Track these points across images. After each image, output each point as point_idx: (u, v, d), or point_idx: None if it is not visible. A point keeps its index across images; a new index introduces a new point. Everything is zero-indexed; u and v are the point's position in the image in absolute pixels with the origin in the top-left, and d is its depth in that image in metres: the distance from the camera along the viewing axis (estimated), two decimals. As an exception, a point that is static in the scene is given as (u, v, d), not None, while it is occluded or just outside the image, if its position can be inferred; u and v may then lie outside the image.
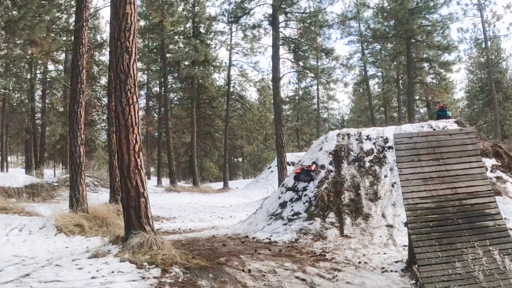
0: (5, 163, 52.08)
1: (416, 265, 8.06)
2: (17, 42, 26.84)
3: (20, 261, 10.00)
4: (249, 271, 9.08)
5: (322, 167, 15.14)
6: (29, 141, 46.07)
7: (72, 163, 16.62)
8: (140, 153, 10.42)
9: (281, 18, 35.26)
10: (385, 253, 10.61)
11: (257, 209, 16.83)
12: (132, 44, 10.45)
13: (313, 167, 15.45)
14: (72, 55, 17.36)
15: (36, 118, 45.82)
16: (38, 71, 45.87)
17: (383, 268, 9.39)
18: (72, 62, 17.39)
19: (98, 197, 25.58)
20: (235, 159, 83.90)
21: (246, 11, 38.97)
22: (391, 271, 9.18)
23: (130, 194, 10.18)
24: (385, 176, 14.55)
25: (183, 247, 11.06)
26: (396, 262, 9.74)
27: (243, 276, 8.76)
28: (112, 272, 8.39)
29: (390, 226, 12.56)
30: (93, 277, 8.12)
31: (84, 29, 16.80)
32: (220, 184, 49.06)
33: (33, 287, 7.62)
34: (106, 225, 15.02)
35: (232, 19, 42.19)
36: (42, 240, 13.38)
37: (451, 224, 7.96)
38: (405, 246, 10.40)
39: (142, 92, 55.50)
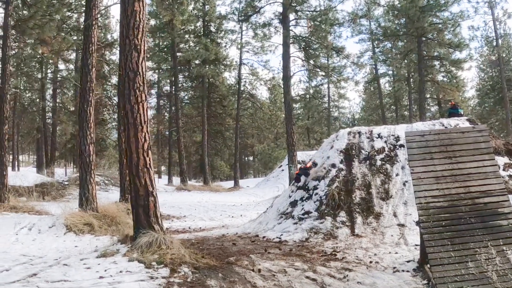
0: (16, 162, 52.26)
1: (428, 265, 7.95)
2: (28, 41, 26.84)
3: (28, 260, 9.97)
4: (259, 270, 8.98)
5: (333, 165, 15.01)
6: (40, 140, 46.20)
7: (81, 162, 16.61)
8: (149, 152, 10.35)
9: (292, 16, 35.16)
10: (396, 253, 10.50)
11: (267, 208, 16.73)
12: (141, 41, 10.38)
13: (309, 164, 15.37)
14: (82, 54, 17.34)
15: (47, 117, 45.93)
16: (49, 71, 45.98)
17: (394, 267, 9.28)
18: (81, 61, 17.38)
19: (109, 196, 25.66)
20: (246, 158, 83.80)
21: (256, 10, 38.93)
22: (403, 270, 9.07)
23: (139, 193, 10.11)
24: (397, 175, 14.40)
25: (193, 247, 10.97)
26: (408, 261, 9.62)
27: (252, 276, 8.67)
28: (120, 271, 8.32)
29: (401, 225, 12.43)
30: (101, 277, 8.05)
31: (93, 27, 16.79)
32: (231, 183, 48.98)
33: (40, 287, 7.56)
34: (115, 224, 15.02)
35: (243, 17, 42.15)
36: (51, 239, 13.39)
37: (463, 223, 7.84)
38: (416, 245, 10.27)
39: (153, 91, 55.63)
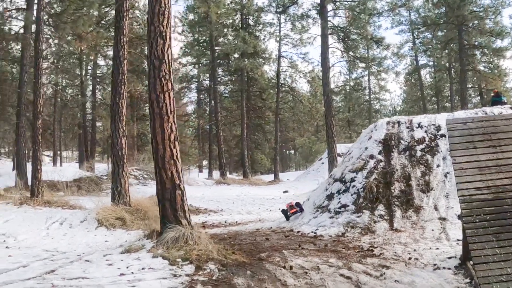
0: (59, 158, 52.91)
1: (471, 262, 7.36)
2: (64, 37, 26.87)
3: (50, 256, 9.74)
4: (291, 267, 8.52)
5: (371, 157, 14.43)
6: (81, 136, 46.64)
7: (114, 155, 16.43)
8: (176, 143, 9.96)
9: (330, 6, 34.63)
10: (437, 248, 9.91)
11: (304, 201, 16.28)
12: (167, 28, 10.00)
13: (292, 207, 14.93)
14: (113, 46, 17.18)
15: (87, 113, 46.35)
16: (89, 67, 46.40)
17: (435, 264, 8.70)
18: (113, 53, 17.23)
19: (146, 190, 25.58)
20: (287, 152, 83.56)
21: (294, 1, 38.69)
22: (444, 268, 8.49)
23: (165, 186, 9.76)
24: (438, 166, 13.72)
25: (223, 241, 10.63)
26: (449, 258, 9.03)
27: (283, 273, 8.21)
28: (143, 268, 7.97)
29: (442, 219, 11.80)
30: (121, 274, 7.70)
31: (124, 19, 16.61)
32: (271, 176, 48.85)
33: (55, 284, 7.20)
34: (148, 218, 14.79)
35: (281, 9, 41.90)
36: (82, 234, 13.27)
37: (510, 217, 7.21)
38: (458, 240, 9.68)
39: (193, 86, 55.94)
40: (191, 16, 49.44)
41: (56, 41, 31.70)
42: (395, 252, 9.79)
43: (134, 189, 25.98)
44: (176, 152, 9.92)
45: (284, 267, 8.53)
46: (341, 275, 8.25)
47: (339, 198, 13.63)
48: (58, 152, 53.92)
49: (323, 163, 41.82)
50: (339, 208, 13.19)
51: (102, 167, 44.82)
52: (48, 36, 26.81)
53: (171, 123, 9.87)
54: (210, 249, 8.91)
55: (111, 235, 13.05)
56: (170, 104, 9.90)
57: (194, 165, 58.91)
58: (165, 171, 9.74)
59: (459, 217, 7.95)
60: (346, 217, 12.63)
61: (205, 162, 62.27)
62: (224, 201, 24.91)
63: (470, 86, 47.10)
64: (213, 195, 27.93)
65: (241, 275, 7.96)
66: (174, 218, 9.62)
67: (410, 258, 9.23)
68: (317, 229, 12.50)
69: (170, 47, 10.05)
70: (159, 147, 9.78)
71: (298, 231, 12.69)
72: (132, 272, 7.78)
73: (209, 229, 14.54)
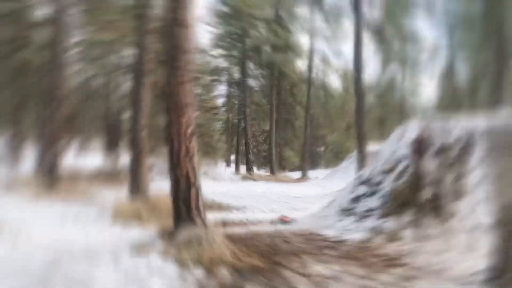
0: (84, 149, 53.04)
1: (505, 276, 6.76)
2: (91, 25, 26.70)
3: (55, 254, 9.27)
4: (309, 275, 7.98)
5: (401, 159, 13.80)
6: (108, 127, 46.67)
7: (132, 148, 16.06)
8: (192, 139, 9.47)
9: (364, 1, 33.96)
10: (467, 259, 9.24)
11: (329, 203, 15.76)
12: (185, 16, 9.50)
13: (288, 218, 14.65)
14: (136, 35, 16.88)
15: (114, 104, 46.38)
16: (119, 57, 46.36)
17: (464, 277, 8.09)
18: (135, 43, 16.94)
19: (171, 183, 25.35)
20: (317, 149, 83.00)
21: (328, -6, 38.18)
22: (474, 281, 7.85)
23: (179, 184, 9.35)
24: (472, 170, 12.97)
25: (241, 243, 10.10)
26: (481, 270, 8.37)
27: (299, 280, 7.69)
28: (151, 271, 7.58)
29: (475, 227, 11.12)
30: (127, 278, 7.28)
31: (147, 7, 16.20)
32: (299, 174, 48.33)
33: (55, 288, 6.83)
34: (166, 215, 14.36)
35: (313, 2, 41.42)
36: (96, 231, 12.88)
37: (549, 230, 6.59)
38: (491, 251, 9.00)
39: (223, 79, 55.82)
40: (222, 8, 49.25)
41: (83, 29, 31.63)
42: (422, 262, 9.20)
43: (158, 182, 25.71)
44: (193, 148, 9.47)
45: (301, 274, 8.02)
46: (362, 285, 7.69)
47: (366, 202, 13.09)
48: (85, 143, 54.12)
49: (352, 161, 41.24)
50: (365, 212, 12.65)
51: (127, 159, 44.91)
52: (75, 25, 26.60)
53: (188, 118, 9.40)
54: (224, 252, 8.46)
55: (126, 232, 12.66)
56: (187, 97, 9.41)
57: (222, 159, 58.83)
58: (180, 168, 9.33)
59: (494, 225, 7.32)
60: (372, 222, 12.07)
61: (233, 157, 62.17)
62: (248, 198, 24.42)
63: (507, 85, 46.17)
64: (237, 190, 27.62)
65: (254, 281, 7.51)
66: (188, 218, 9.21)
67: (437, 269, 8.65)
68: (340, 233, 11.98)
69: (188, 37, 9.55)
70: (174, 143, 9.35)
71: (321, 235, 12.16)
72: (139, 276, 7.39)
73: (229, 227, 14.07)
